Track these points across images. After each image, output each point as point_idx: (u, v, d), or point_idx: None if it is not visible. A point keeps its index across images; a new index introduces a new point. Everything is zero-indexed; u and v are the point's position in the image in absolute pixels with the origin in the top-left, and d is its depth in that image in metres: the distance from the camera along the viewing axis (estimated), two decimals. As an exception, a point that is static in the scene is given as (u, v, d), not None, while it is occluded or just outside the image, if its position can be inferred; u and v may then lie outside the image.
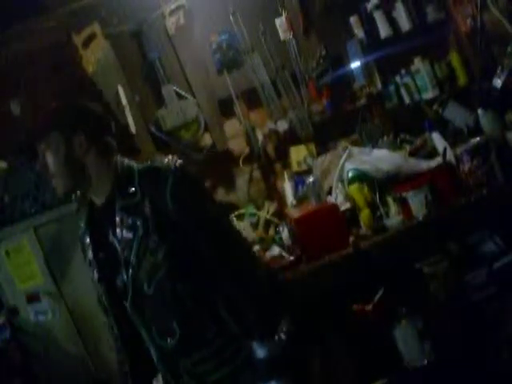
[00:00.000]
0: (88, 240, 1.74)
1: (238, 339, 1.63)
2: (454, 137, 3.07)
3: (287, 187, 3.40)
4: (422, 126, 3.23)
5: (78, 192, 1.77)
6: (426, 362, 2.62)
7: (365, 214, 2.81)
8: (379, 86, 3.41)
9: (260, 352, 1.60)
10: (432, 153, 2.98)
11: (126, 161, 1.71)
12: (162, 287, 1.61)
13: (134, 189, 1.63)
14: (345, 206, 2.89)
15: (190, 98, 3.41)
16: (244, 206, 3.46)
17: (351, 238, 2.71)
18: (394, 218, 2.77)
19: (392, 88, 3.42)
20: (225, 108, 3.48)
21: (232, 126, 3.51)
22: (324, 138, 3.48)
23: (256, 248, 3.08)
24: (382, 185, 2.86)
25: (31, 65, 3.07)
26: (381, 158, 2.95)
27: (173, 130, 3.37)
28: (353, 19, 3.35)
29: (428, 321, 2.65)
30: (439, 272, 2.66)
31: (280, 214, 3.41)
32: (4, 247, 3.07)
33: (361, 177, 2.91)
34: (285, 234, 3.04)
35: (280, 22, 3.40)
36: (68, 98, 1.89)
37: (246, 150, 3.49)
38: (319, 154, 3.42)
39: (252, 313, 1.62)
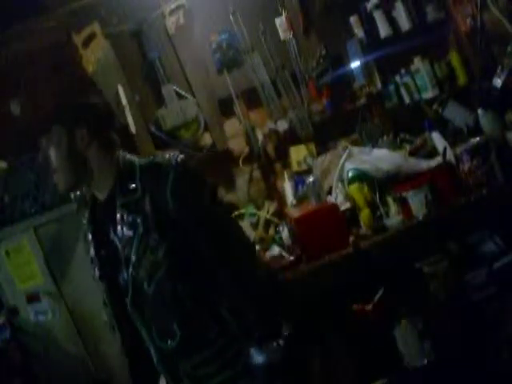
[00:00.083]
0: (90, 237, 1.74)
1: (239, 340, 1.62)
2: (454, 136, 3.07)
3: (287, 187, 3.40)
4: (422, 126, 3.23)
5: (78, 192, 1.77)
6: (426, 361, 2.62)
7: (365, 214, 2.81)
8: (379, 85, 3.41)
9: (258, 358, 1.59)
10: (432, 152, 2.98)
11: (128, 156, 1.70)
12: (162, 287, 1.60)
13: (134, 185, 1.62)
14: (345, 205, 2.89)
15: (190, 97, 3.40)
16: (244, 205, 3.46)
17: (351, 238, 2.70)
18: (393, 218, 2.77)
19: (392, 88, 3.42)
20: (225, 108, 3.48)
21: (232, 126, 3.50)
22: (324, 137, 3.48)
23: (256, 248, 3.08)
24: (381, 184, 2.86)
25: (31, 65, 3.07)
26: (381, 158, 2.95)
27: (173, 130, 3.36)
28: (353, 19, 3.35)
29: (428, 321, 2.65)
30: (439, 272, 2.66)
31: (280, 213, 3.41)
32: (4, 247, 3.06)
33: (361, 176, 2.91)
34: (285, 233, 3.04)
35: (280, 22, 3.40)
36: (68, 98, 1.89)
37: (246, 150, 3.49)
38: (319, 153, 3.43)
39: (252, 313, 1.61)
